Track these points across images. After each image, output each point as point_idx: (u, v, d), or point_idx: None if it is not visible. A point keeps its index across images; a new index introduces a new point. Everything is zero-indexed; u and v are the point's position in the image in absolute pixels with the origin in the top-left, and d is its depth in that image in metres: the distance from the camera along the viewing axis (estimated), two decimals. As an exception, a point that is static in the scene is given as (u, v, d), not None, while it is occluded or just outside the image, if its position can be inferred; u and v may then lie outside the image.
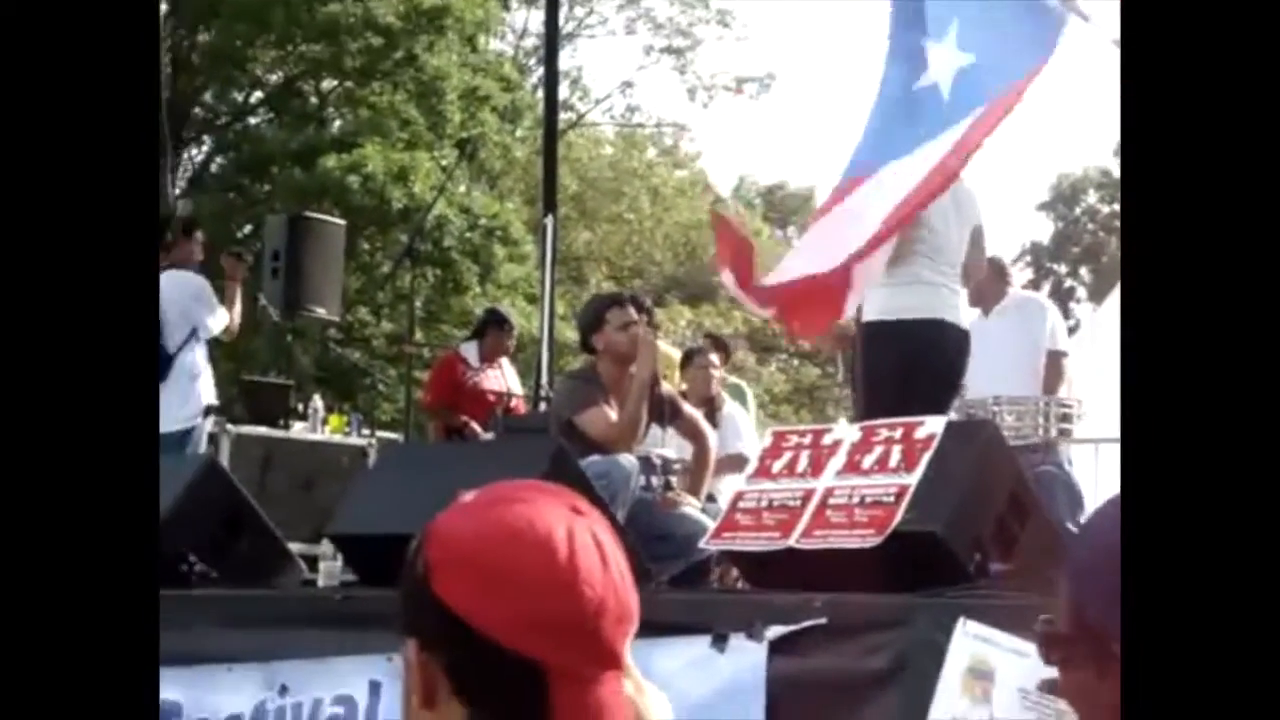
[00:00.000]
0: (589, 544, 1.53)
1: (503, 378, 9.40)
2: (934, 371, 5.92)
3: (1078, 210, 41.38)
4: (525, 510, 1.55)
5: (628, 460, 6.17)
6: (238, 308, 8.03)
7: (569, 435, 6.20)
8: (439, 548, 1.54)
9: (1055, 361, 7.75)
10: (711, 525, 5.67)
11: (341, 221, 11.19)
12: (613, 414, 6.30)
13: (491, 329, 9.54)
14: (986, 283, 7.85)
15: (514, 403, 9.33)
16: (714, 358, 8.84)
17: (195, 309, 7.92)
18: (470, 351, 9.44)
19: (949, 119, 5.77)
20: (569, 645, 1.51)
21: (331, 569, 5.71)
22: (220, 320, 7.96)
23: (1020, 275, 8.29)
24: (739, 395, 9.54)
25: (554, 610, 1.50)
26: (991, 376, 7.22)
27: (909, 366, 5.76)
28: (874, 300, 5.93)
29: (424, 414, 10.29)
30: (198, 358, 7.86)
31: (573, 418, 6.27)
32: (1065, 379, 7.76)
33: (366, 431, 10.19)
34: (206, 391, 7.87)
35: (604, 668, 1.52)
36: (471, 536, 1.54)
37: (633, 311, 6.53)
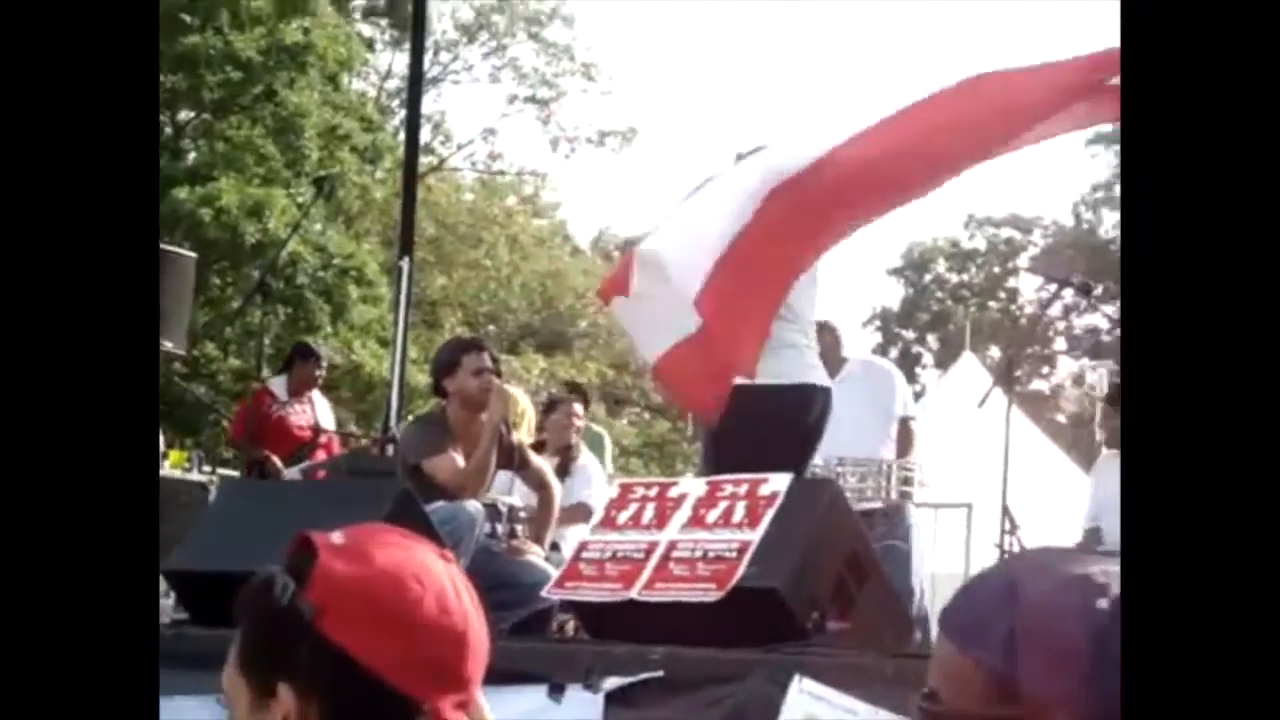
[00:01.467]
0: (460, 587, 1.60)
1: (311, 412, 9.30)
2: (800, 436, 5.96)
3: (927, 278, 42.19)
4: (408, 554, 1.59)
5: (473, 506, 6.14)
6: None
7: (416, 479, 6.15)
8: (326, 590, 1.55)
9: (905, 427, 7.87)
10: (555, 574, 5.69)
11: (192, 254, 11.00)
12: (460, 460, 6.28)
13: (298, 361, 9.45)
14: (828, 349, 7.98)
15: (323, 438, 9.25)
16: (576, 407, 8.87)
17: None
18: (279, 386, 9.34)
19: None
20: (443, 683, 1.56)
21: (163, 606, 5.59)
22: None
23: (869, 339, 8.45)
24: (597, 443, 9.57)
25: (437, 651, 1.56)
26: (838, 440, 7.33)
27: (776, 431, 5.79)
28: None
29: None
30: None
31: (420, 462, 6.24)
32: (914, 444, 7.89)
33: (208, 468, 10.01)
34: None
35: (464, 703, 1.58)
36: (361, 579, 1.56)
37: (488, 358, 6.52)
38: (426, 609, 1.56)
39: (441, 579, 1.58)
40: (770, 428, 5.75)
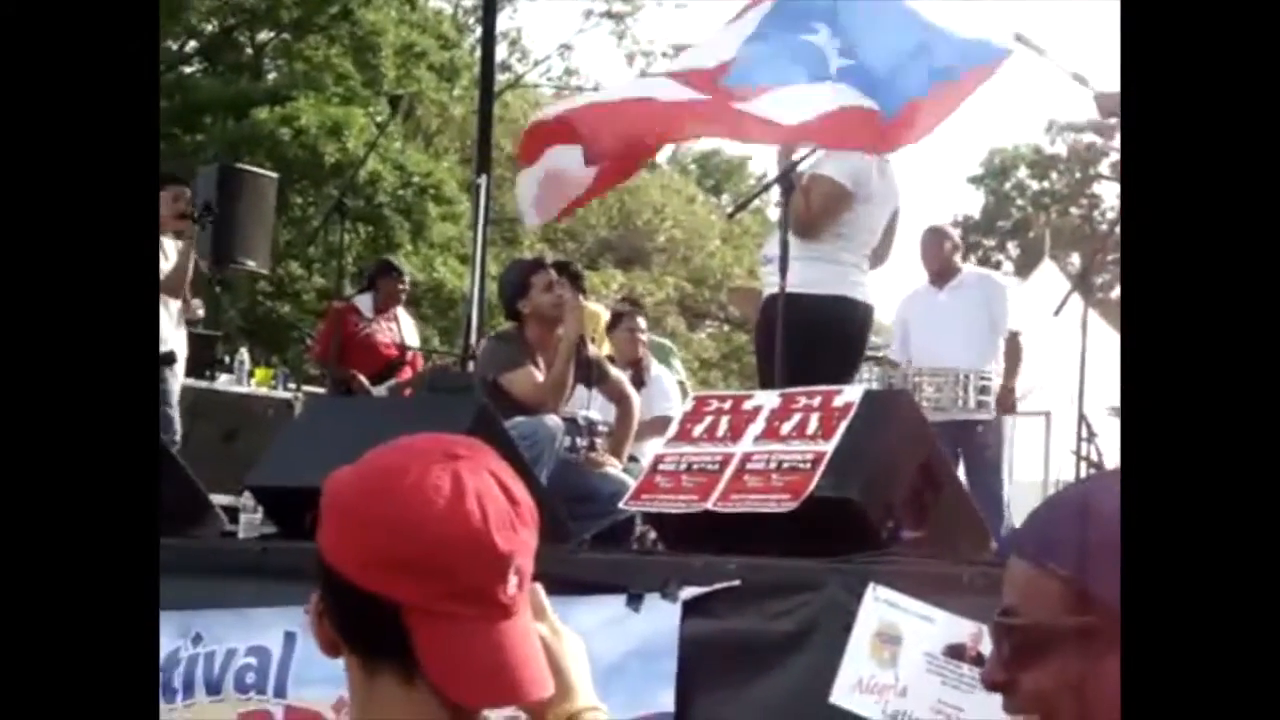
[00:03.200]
0: (451, 487, 1.54)
1: (397, 329, 9.35)
2: (837, 346, 6.00)
3: (1008, 185, 41.71)
4: (388, 457, 1.59)
5: (552, 421, 6.21)
6: (173, 269, 7.84)
7: (494, 395, 6.24)
8: (322, 500, 1.60)
9: (1015, 341, 7.88)
10: (633, 485, 5.76)
11: (273, 174, 11.11)
12: (539, 375, 6.35)
13: (382, 279, 9.46)
14: (944, 258, 7.99)
15: (409, 355, 9.31)
16: (640, 320, 8.91)
17: None
18: (364, 303, 9.37)
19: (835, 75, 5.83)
20: (422, 583, 1.52)
21: (251, 521, 5.71)
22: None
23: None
24: (664, 354, 9.60)
25: (402, 549, 1.53)
26: (945, 346, 7.34)
27: (812, 340, 5.82)
28: (791, 273, 5.97)
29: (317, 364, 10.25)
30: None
31: (498, 378, 6.31)
32: (1021, 359, 7.90)
33: (293, 386, 10.15)
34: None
35: (471, 607, 1.53)
36: (339, 487, 1.59)
37: (554, 273, 6.58)
38: (392, 510, 1.53)
39: (425, 480, 1.54)
40: (808, 334, 5.78)
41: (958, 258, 8.19)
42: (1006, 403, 7.68)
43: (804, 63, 5.86)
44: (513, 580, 1.55)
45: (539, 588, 1.67)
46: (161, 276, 7.59)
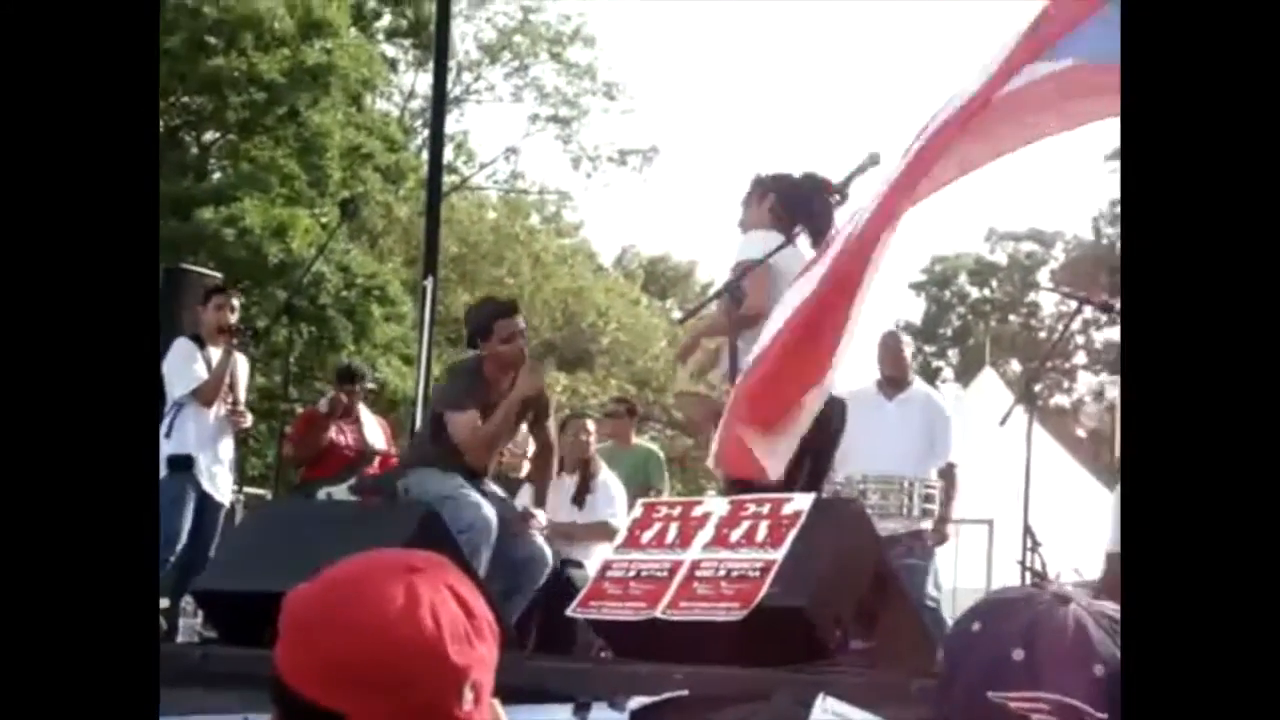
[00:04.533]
0: (405, 601, 1.52)
1: (360, 431, 9.36)
2: (817, 447, 6.01)
3: (949, 293, 42.15)
4: (344, 571, 1.57)
5: (488, 510, 6.19)
6: (211, 379, 7.87)
7: (437, 429, 6.33)
8: (281, 617, 1.57)
9: (951, 472, 7.84)
10: (548, 552, 5.97)
11: (218, 275, 11.09)
12: (478, 422, 6.36)
13: (341, 384, 9.53)
14: (903, 366, 8.00)
15: (375, 457, 9.29)
16: (589, 424, 8.91)
17: (169, 373, 7.88)
18: (324, 405, 9.42)
19: None
20: (377, 700, 1.50)
21: (191, 625, 5.63)
22: (185, 385, 7.83)
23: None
24: (654, 459, 9.60)
25: (356, 666, 1.51)
26: (883, 456, 7.32)
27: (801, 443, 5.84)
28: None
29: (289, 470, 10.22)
30: (175, 422, 7.75)
31: (442, 412, 6.37)
32: (957, 492, 7.85)
33: (234, 486, 10.05)
34: (177, 448, 7.72)
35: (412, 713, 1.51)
36: (296, 602, 1.57)
37: (520, 321, 6.59)
38: (345, 624, 1.51)
39: (381, 594, 1.52)
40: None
41: (910, 370, 8.19)
42: (942, 533, 7.65)
43: None
44: (468, 695, 1.52)
45: (496, 703, 1.64)
46: (198, 384, 7.67)
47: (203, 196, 20.85)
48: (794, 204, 6.15)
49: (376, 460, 9.25)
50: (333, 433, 9.17)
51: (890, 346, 8.20)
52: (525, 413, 6.62)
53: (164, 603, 6.61)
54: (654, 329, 32.25)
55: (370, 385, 9.63)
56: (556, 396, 23.64)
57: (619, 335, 30.88)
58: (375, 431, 9.60)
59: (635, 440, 9.98)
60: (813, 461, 5.93)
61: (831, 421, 6.12)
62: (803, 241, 6.16)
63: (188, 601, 5.64)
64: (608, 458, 9.93)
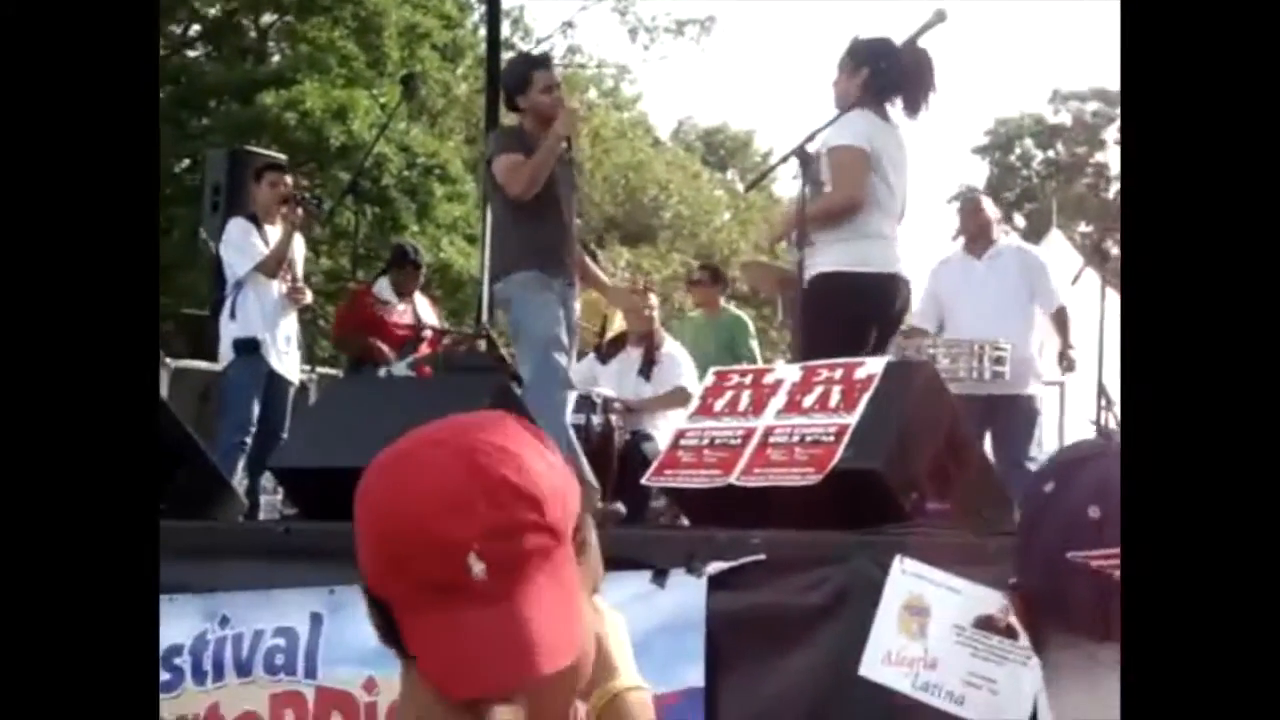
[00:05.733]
0: (405, 476, 1.50)
1: (413, 312, 9.44)
2: (885, 324, 6.01)
3: (1013, 155, 41.62)
4: (383, 452, 1.54)
5: (559, 396, 6.28)
6: (273, 250, 7.94)
7: (492, 178, 6.58)
8: None
9: (1063, 312, 7.82)
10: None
11: (283, 156, 11.11)
12: (520, 160, 6.51)
13: (396, 265, 9.61)
14: (985, 225, 7.94)
15: (426, 334, 9.37)
16: (650, 297, 8.92)
17: (228, 254, 7.97)
18: (382, 287, 9.50)
19: None
20: (390, 578, 1.49)
21: (272, 502, 5.73)
22: (247, 262, 7.90)
23: (955, 218, 8.36)
24: (741, 327, 9.64)
25: (369, 547, 1.50)
26: (985, 320, 7.28)
27: (864, 320, 5.83)
28: (830, 252, 5.95)
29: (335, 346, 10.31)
30: (238, 301, 7.85)
31: (491, 163, 6.59)
32: (1069, 326, 7.86)
33: (305, 366, 10.17)
34: (241, 329, 7.83)
35: (437, 597, 1.47)
36: (366, 473, 1.55)
37: (557, 74, 6.77)
38: (362, 506, 1.50)
39: (400, 468, 1.50)
40: (844, 314, 5.77)
41: (996, 227, 8.10)
42: (1068, 361, 7.71)
43: None
44: (475, 566, 1.46)
45: (593, 546, 1.63)
46: (259, 260, 7.76)
47: (263, 80, 20.83)
48: (888, 77, 6.03)
49: (430, 337, 9.33)
50: (387, 312, 9.24)
51: (970, 206, 8.13)
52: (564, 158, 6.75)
53: (244, 481, 6.73)
54: (715, 201, 32.09)
55: (420, 269, 9.71)
56: (620, 271, 23.64)
57: (680, 209, 30.76)
58: (429, 312, 9.70)
59: (724, 306, 10.01)
60: (878, 337, 5.93)
61: (896, 299, 6.10)
62: (898, 115, 6.08)
63: (267, 479, 5.72)
64: (696, 326, 9.96)
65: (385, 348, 8.93)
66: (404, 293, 9.44)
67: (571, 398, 6.49)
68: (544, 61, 6.87)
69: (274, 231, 8.02)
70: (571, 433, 6.30)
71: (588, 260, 7.24)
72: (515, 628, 1.47)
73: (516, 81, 6.72)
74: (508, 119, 7.46)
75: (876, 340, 5.91)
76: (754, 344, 9.74)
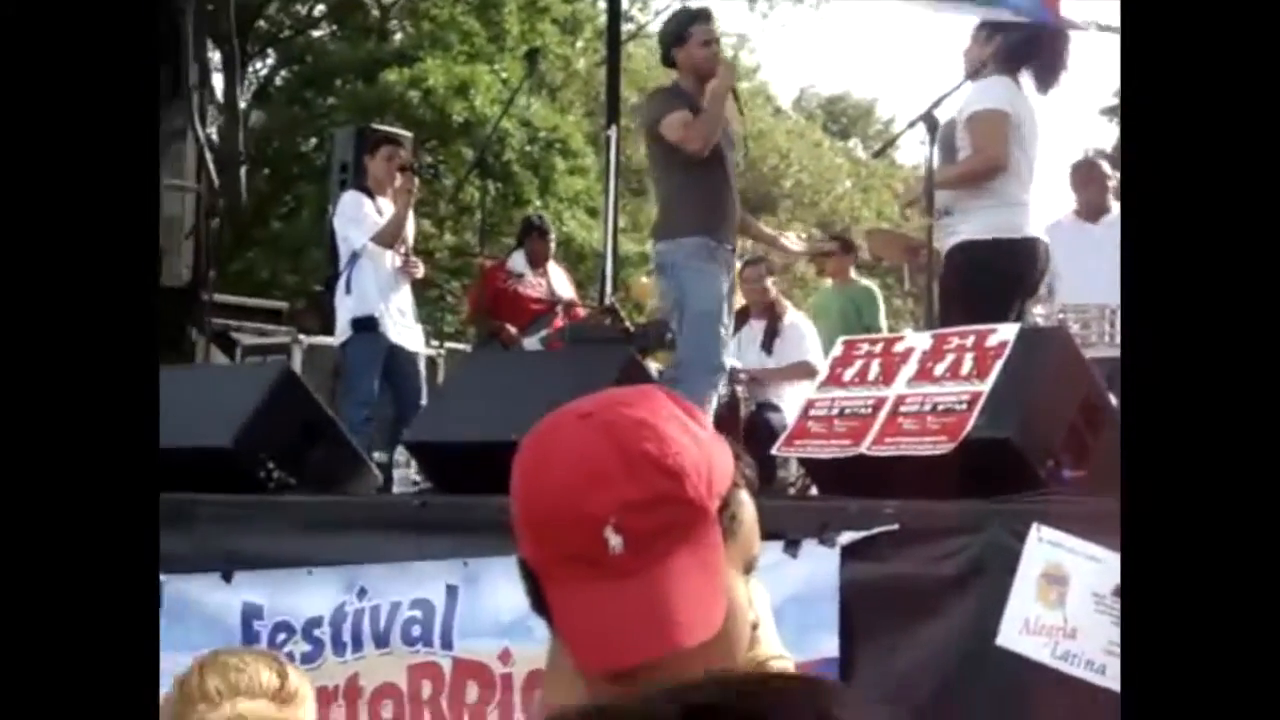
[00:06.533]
0: (550, 448, 1.50)
1: (547, 284, 9.46)
2: (1028, 290, 5.97)
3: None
4: (536, 425, 1.55)
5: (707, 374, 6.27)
6: (389, 220, 7.99)
7: (656, 141, 6.48)
8: None
9: None
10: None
11: (408, 134, 11.22)
12: (689, 117, 6.44)
13: (527, 237, 9.65)
14: (1103, 191, 7.82)
15: (559, 309, 9.40)
16: (764, 267, 8.89)
17: (343, 227, 8.05)
18: (516, 260, 9.54)
19: None
20: (534, 549, 1.49)
21: (406, 476, 5.80)
22: (362, 234, 7.96)
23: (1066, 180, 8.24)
24: (870, 297, 9.58)
25: (518, 517, 1.50)
26: (1094, 284, 7.18)
27: (1011, 286, 5.79)
28: (973, 220, 5.90)
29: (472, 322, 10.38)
30: (354, 275, 7.93)
31: (655, 123, 6.47)
32: None
33: (434, 342, 10.28)
34: (358, 305, 7.91)
35: (577, 569, 1.47)
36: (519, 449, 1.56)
37: (714, 28, 6.71)
38: (517, 473, 1.50)
39: (542, 441, 1.50)
40: (991, 281, 5.71)
41: (1111, 194, 7.99)
42: None
43: None
44: (612, 539, 1.45)
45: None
46: (375, 230, 7.82)
47: (386, 58, 21.05)
48: (1022, 46, 5.97)
49: (563, 310, 9.36)
50: (521, 286, 9.29)
51: (1084, 174, 8.00)
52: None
53: (379, 456, 6.81)
54: (837, 169, 31.85)
55: (549, 240, 9.73)
56: (741, 242, 23.64)
57: (801, 177, 30.59)
58: (563, 282, 9.71)
59: (853, 277, 9.94)
60: (1017, 303, 5.86)
61: (1035, 263, 6.03)
62: (1028, 84, 6.01)
63: (401, 453, 5.80)
64: (826, 296, 9.89)
65: (512, 328, 8.99)
66: (536, 264, 9.49)
67: (722, 379, 6.48)
68: (704, 15, 6.79)
69: (388, 204, 8.07)
70: (710, 414, 6.28)
71: (750, 218, 7.21)
72: (652, 601, 1.46)
73: (674, 35, 6.67)
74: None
75: (1022, 304, 5.86)
76: (882, 314, 9.68)
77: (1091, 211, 7.82)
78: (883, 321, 9.59)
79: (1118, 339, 6.67)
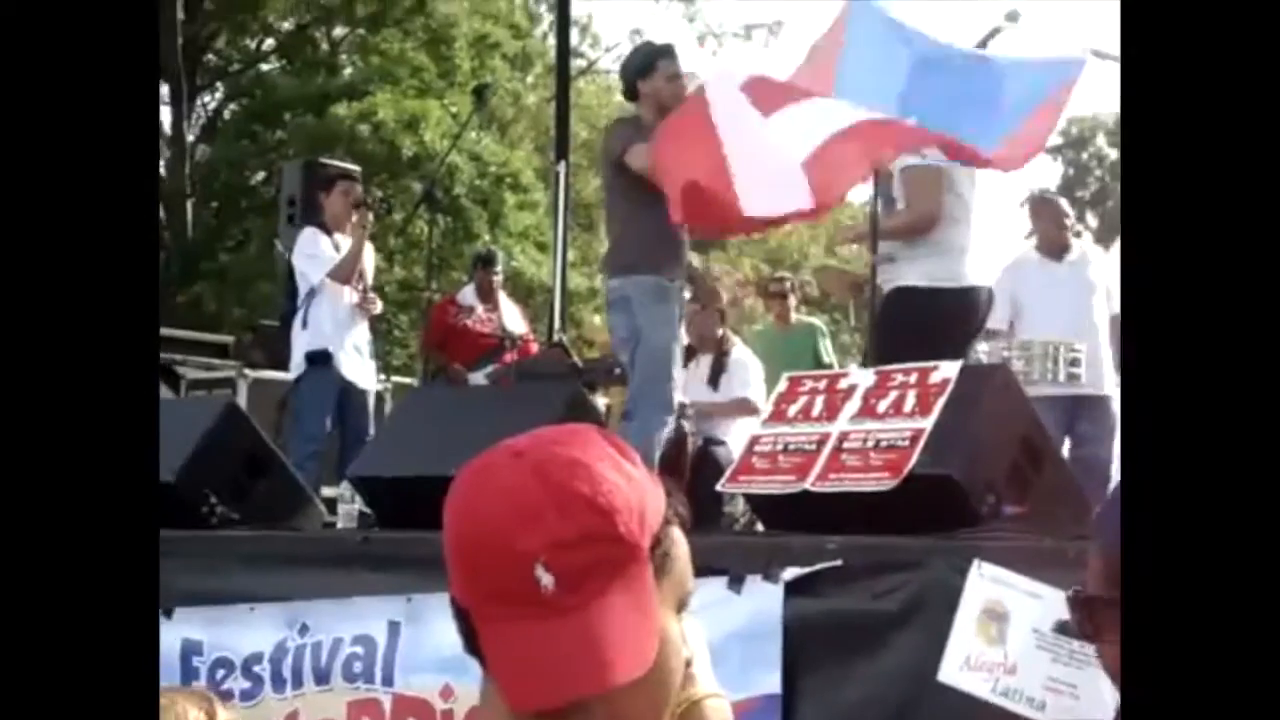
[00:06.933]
0: (482, 487, 1.50)
1: (498, 318, 9.47)
2: (964, 337, 6.00)
3: (1085, 155, 41.28)
4: (470, 462, 1.55)
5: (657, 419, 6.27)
6: (345, 257, 7.98)
7: (617, 172, 6.44)
8: None
9: None
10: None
11: (357, 168, 11.21)
12: None
13: (478, 270, 9.68)
14: (1064, 229, 7.91)
15: (508, 344, 9.42)
16: (715, 304, 8.93)
17: (300, 263, 8.03)
18: (466, 293, 9.56)
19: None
20: (466, 587, 1.50)
21: (350, 511, 5.78)
22: (319, 271, 7.94)
23: (1027, 219, 8.34)
24: (814, 335, 9.62)
25: (451, 555, 1.50)
26: (1056, 318, 7.25)
27: (942, 333, 5.81)
28: (909, 267, 5.95)
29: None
30: (310, 311, 7.91)
31: (623, 153, 6.42)
32: None
33: (381, 376, 10.25)
34: (313, 340, 7.88)
35: (509, 608, 1.48)
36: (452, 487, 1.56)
37: (679, 64, 6.67)
38: (447, 514, 1.51)
39: (478, 479, 1.50)
40: (928, 329, 5.75)
41: (1070, 230, 8.07)
42: None
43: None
44: (544, 578, 1.46)
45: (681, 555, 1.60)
46: (331, 266, 7.81)
47: (336, 92, 21.03)
48: None
49: (515, 345, 9.37)
50: (471, 320, 9.29)
51: (1042, 212, 8.10)
52: None
53: (327, 490, 6.79)
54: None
55: (497, 273, 9.74)
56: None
57: (752, 214, 30.63)
58: (514, 317, 9.72)
59: (795, 318, 9.99)
60: (960, 350, 5.90)
61: (977, 311, 6.08)
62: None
63: (347, 488, 5.78)
64: (770, 337, 9.93)
65: (461, 365, 8.99)
66: (486, 297, 9.51)
67: (673, 417, 6.46)
68: (669, 51, 6.79)
69: (345, 241, 8.06)
70: (658, 451, 6.26)
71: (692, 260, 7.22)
72: (584, 639, 1.47)
73: (640, 67, 6.66)
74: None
75: (953, 353, 5.89)
76: (829, 349, 9.72)
77: (1053, 248, 7.90)
78: (830, 357, 9.64)
79: (1062, 376, 6.74)
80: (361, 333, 8.08)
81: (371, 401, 8.16)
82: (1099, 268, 7.83)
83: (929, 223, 5.94)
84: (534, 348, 9.67)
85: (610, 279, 6.55)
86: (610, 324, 6.65)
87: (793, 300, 9.92)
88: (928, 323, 5.76)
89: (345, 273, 7.90)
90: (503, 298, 9.73)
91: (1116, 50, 4.77)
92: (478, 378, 8.98)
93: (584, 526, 1.48)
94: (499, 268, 9.95)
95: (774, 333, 10.04)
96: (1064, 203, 8.51)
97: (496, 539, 1.47)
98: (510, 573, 1.46)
